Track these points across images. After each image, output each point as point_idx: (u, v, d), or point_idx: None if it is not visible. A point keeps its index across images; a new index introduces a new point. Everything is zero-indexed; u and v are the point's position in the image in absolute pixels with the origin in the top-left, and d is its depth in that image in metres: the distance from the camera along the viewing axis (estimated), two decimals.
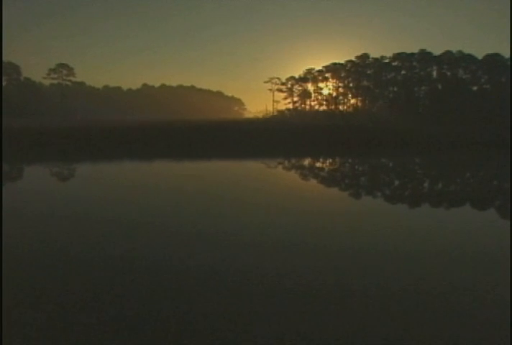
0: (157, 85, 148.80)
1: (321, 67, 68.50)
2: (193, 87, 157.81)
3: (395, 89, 63.03)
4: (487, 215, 11.12)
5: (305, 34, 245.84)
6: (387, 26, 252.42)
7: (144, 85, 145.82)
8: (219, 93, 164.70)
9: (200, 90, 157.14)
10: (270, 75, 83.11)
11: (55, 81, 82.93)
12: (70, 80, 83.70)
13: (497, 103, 55.31)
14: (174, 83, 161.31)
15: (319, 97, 70.04)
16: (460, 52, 61.18)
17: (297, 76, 72.04)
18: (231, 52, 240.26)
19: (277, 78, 73.61)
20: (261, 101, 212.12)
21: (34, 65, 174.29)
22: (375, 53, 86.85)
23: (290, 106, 73.30)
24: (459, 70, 61.16)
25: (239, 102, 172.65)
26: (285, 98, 73.97)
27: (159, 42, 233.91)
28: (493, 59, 59.14)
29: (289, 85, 72.73)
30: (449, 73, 61.22)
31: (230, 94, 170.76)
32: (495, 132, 40.34)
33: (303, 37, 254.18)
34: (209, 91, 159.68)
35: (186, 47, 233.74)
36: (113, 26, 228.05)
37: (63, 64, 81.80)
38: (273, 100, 76.70)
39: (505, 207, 12.73)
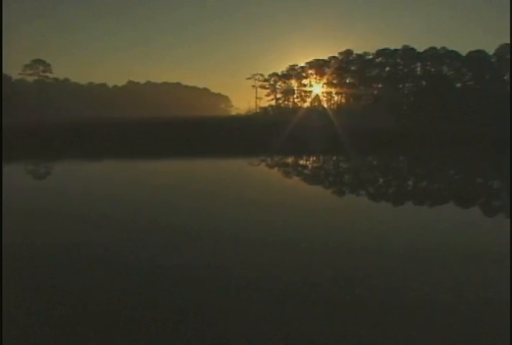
0: (142, 81, 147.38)
1: (304, 64, 68.21)
2: (178, 84, 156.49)
3: (380, 86, 62.77)
4: (471, 213, 11.08)
5: (291, 29, 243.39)
6: (370, 21, 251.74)
7: (130, 82, 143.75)
8: (206, 90, 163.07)
9: (187, 87, 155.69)
10: (257, 72, 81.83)
11: (32, 78, 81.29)
12: (47, 76, 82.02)
13: (482, 100, 55.33)
14: (159, 80, 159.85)
15: (303, 94, 69.58)
16: (444, 48, 61.16)
17: (280, 72, 71.50)
18: (218, 49, 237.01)
19: (260, 74, 72.91)
20: (249, 98, 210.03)
21: (16, 62, 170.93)
22: (358, 49, 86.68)
23: (273, 102, 72.72)
24: (443, 67, 61.13)
25: (225, 99, 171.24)
26: (268, 95, 73.34)
27: (144, 38, 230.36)
28: (477, 56, 59.22)
29: (272, 82, 72.12)
30: (433, 70, 61.12)
31: (217, 91, 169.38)
32: (480, 130, 40.46)
33: (288, 33, 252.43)
34: (195, 88, 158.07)
35: (172, 44, 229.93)
36: (98, 22, 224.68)
37: (39, 60, 79.97)
38: (256, 97, 76.01)
39: (488, 205, 12.78)
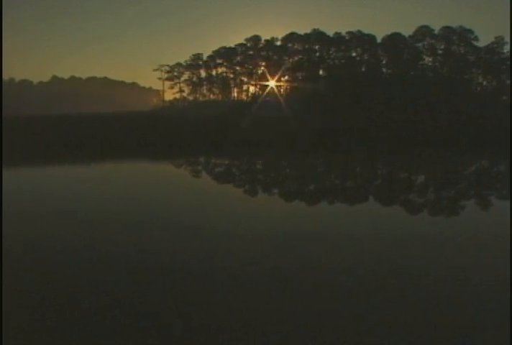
0: (66, 76, 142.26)
1: (211, 52, 61.48)
2: (105, 78, 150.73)
3: (293, 73, 57.21)
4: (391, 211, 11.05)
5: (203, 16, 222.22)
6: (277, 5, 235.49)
7: (54, 77, 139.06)
8: (135, 85, 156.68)
9: (112, 81, 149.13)
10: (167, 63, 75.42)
11: None
12: None
13: (399, 88, 51.30)
14: (84, 75, 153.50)
15: (212, 85, 63.29)
16: (359, 31, 56.38)
17: (184, 63, 64.54)
18: (139, 43, 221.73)
19: (167, 65, 65.98)
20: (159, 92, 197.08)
21: None
22: (267, 35, 79.83)
23: (178, 95, 66.20)
24: (358, 52, 56.31)
25: (156, 93, 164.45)
26: (172, 87, 66.60)
27: (67, 32, 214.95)
28: (393, 40, 54.90)
29: (176, 73, 65.30)
30: (347, 55, 56.18)
31: (148, 85, 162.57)
32: (397, 124, 36.85)
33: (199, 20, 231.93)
34: (123, 83, 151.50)
35: (94, 38, 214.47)
36: (21, 15, 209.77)
37: None
38: (163, 91, 69.16)
39: (410, 202, 12.67)
